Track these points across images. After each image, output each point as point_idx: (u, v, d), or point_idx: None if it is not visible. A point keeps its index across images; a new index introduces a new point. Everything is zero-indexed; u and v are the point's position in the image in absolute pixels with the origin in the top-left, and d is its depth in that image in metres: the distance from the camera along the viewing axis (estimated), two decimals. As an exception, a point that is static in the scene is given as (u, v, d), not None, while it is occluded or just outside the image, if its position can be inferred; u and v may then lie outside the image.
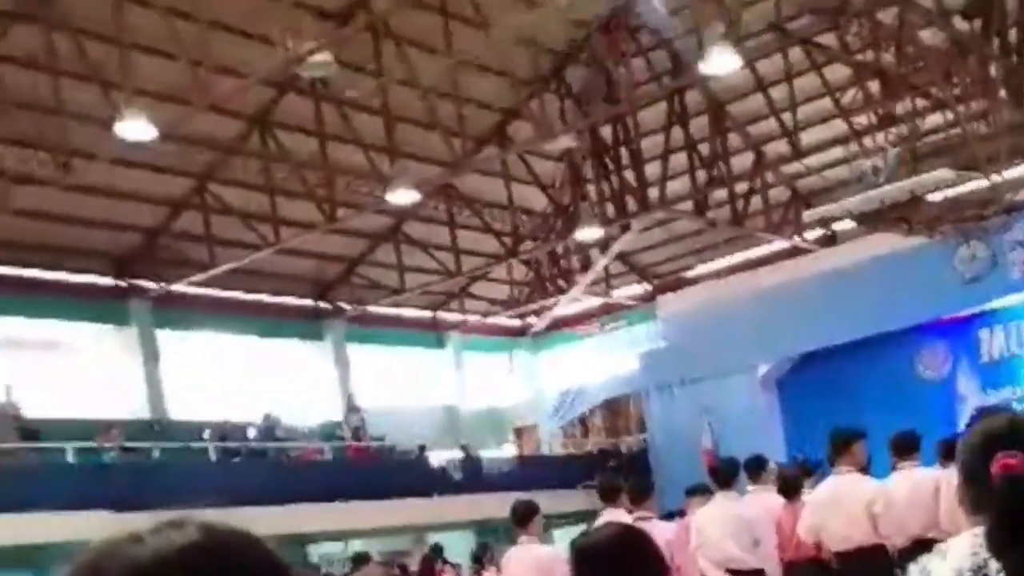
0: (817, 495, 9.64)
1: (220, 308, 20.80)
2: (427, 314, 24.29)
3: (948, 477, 9.15)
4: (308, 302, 22.57)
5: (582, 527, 16.03)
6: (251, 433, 19.94)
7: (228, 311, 20.97)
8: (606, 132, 19.30)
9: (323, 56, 13.80)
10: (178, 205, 19.27)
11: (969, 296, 16.66)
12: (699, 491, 11.38)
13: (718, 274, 20.32)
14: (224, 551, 0.97)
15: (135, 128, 13.65)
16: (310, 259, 21.50)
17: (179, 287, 19.69)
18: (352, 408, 21.51)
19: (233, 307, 21.07)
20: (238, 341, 21.34)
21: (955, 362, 17.46)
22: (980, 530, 2.99)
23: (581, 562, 3.45)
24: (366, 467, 20.03)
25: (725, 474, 10.40)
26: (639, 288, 21.61)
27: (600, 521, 9.95)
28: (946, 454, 10.20)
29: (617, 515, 9.97)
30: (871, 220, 17.24)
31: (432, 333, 24.26)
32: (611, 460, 19.31)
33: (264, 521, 16.68)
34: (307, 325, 22.51)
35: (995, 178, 17.53)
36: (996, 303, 17.05)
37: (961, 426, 14.72)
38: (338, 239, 20.73)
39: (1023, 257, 16.60)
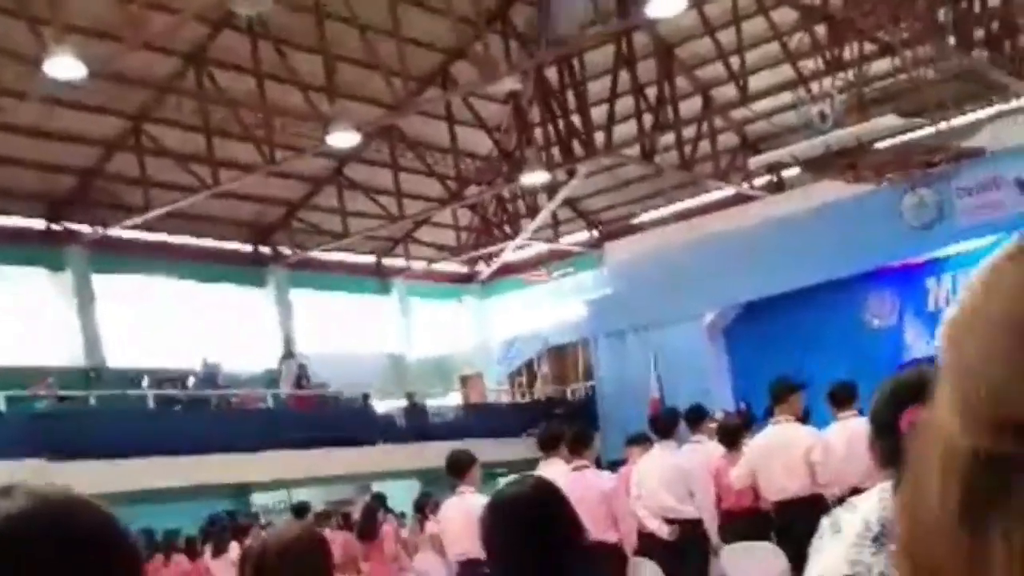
0: (754, 444, 9.58)
1: (157, 252, 20.34)
2: (371, 259, 23.95)
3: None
4: (248, 247, 22.13)
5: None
6: (191, 381, 19.60)
7: (166, 255, 20.51)
8: (552, 75, 18.97)
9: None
10: (112, 146, 18.74)
11: (917, 244, 16.62)
12: (639, 440, 11.28)
13: (665, 221, 20.17)
14: (54, 519, 0.93)
15: (64, 66, 13.12)
16: (250, 203, 21.04)
17: (115, 231, 19.19)
18: (289, 354, 21.20)
19: (171, 251, 20.61)
20: (176, 286, 20.90)
21: (902, 311, 17.46)
22: (889, 484, 2.99)
23: (493, 518, 3.38)
24: (308, 415, 19.79)
25: (664, 424, 10.33)
26: (586, 234, 21.41)
27: (538, 471, 9.85)
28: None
29: (555, 465, 9.87)
30: (818, 166, 17.12)
31: (377, 279, 23.95)
32: (557, 408, 19.20)
33: (204, 470, 16.62)
34: (248, 270, 22.10)
35: (942, 125, 17.49)
36: (944, 251, 17.03)
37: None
38: (278, 182, 20.29)
39: (971, 205, 16.54)
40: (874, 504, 2.99)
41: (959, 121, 17.48)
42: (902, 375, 3.57)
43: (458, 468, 9.46)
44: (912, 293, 17.44)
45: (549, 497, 3.45)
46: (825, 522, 3.10)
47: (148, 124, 18.25)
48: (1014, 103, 17.79)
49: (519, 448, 17.40)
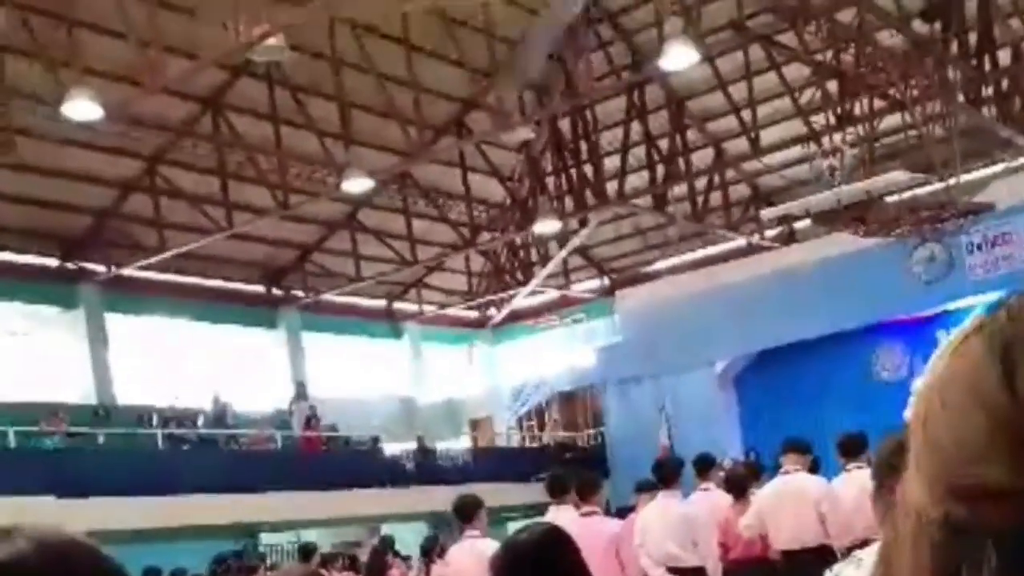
0: (764, 493, 9.61)
1: (170, 292, 20.49)
2: (383, 304, 24.08)
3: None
4: (260, 288, 22.28)
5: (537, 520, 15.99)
6: (200, 420, 19.65)
7: (178, 296, 20.66)
8: (565, 125, 19.18)
9: (276, 40, 13.55)
10: (128, 187, 18.95)
11: (927, 298, 16.71)
12: (648, 487, 11.31)
13: (677, 270, 20.29)
14: (54, 564, 0.90)
15: (82, 108, 13.35)
16: (263, 245, 21.23)
17: (129, 271, 19.36)
18: (301, 395, 21.26)
19: (184, 292, 20.76)
20: (188, 327, 21.03)
21: (912, 363, 17.47)
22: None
23: (504, 563, 3.43)
24: (318, 456, 19.82)
25: (669, 471, 10.33)
26: (597, 282, 21.54)
27: (547, 517, 9.88)
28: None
29: (564, 511, 9.89)
30: (828, 219, 17.24)
31: (388, 323, 24.06)
32: (567, 453, 19.19)
33: (212, 510, 16.62)
34: (260, 312, 22.24)
35: (950, 181, 17.62)
36: (953, 305, 17.09)
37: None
38: (292, 225, 20.49)
39: (980, 260, 16.64)
40: (875, 559, 3.09)
41: (966, 177, 17.63)
42: (897, 433, 3.64)
43: (465, 512, 9.48)
44: (922, 346, 17.45)
45: (560, 544, 3.51)
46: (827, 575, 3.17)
47: (163, 166, 18.47)
48: (1022, 160, 17.95)
49: (528, 493, 17.40)
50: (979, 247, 16.62)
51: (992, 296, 16.70)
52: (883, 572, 0.63)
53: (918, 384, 0.61)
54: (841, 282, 16.71)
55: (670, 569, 9.22)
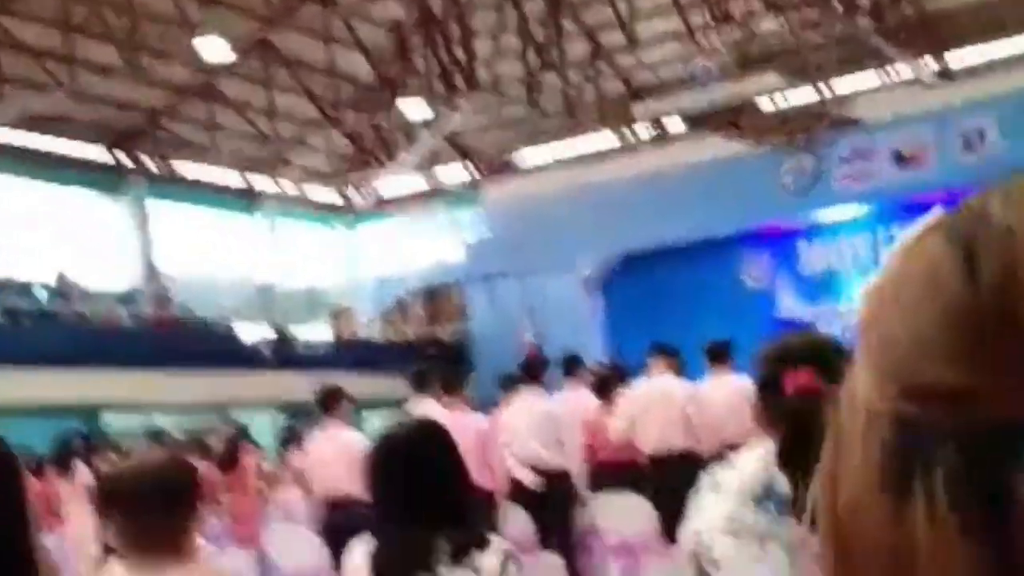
0: (632, 396, 9.59)
1: (7, 153, 19.16)
2: (238, 178, 23.07)
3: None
4: (106, 152, 20.96)
5: (395, 413, 15.76)
6: (41, 294, 18.66)
7: (16, 157, 19.33)
8: (437, 5, 18.50)
9: None
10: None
11: (792, 208, 16.90)
12: (513, 383, 11.21)
13: (547, 167, 20.03)
14: None
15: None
16: (110, 107, 19.92)
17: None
18: (153, 275, 20.37)
19: (22, 154, 19.44)
20: (24, 188, 19.67)
21: (778, 273, 17.77)
22: (771, 444, 3.02)
23: (379, 457, 3.44)
24: (169, 335, 19.08)
25: (535, 369, 10.24)
26: (465, 173, 21.09)
27: (408, 409, 9.67)
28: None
29: (427, 404, 9.70)
30: (702, 122, 17.23)
31: (244, 199, 23.14)
32: (430, 348, 18.95)
33: (53, 385, 15.82)
34: (105, 178, 20.98)
35: (823, 88, 17.81)
36: (818, 216, 17.38)
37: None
38: (143, 89, 19.27)
39: (846, 173, 16.90)
40: (755, 464, 3.02)
41: (839, 86, 17.82)
42: (789, 337, 3.61)
43: (327, 402, 9.26)
44: (787, 256, 17.79)
45: (436, 438, 3.49)
46: (705, 479, 3.12)
47: (3, 16, 17.12)
48: (893, 75, 18.22)
49: (388, 385, 17.10)
50: (846, 160, 16.84)
51: (856, 209, 17.06)
52: (828, 472, 0.59)
53: (872, 280, 0.60)
54: (711, 188, 16.74)
55: (535, 470, 9.12)
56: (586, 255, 18.02)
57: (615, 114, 19.74)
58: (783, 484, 2.93)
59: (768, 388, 3.24)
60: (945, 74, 17.43)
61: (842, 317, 16.87)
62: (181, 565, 2.96)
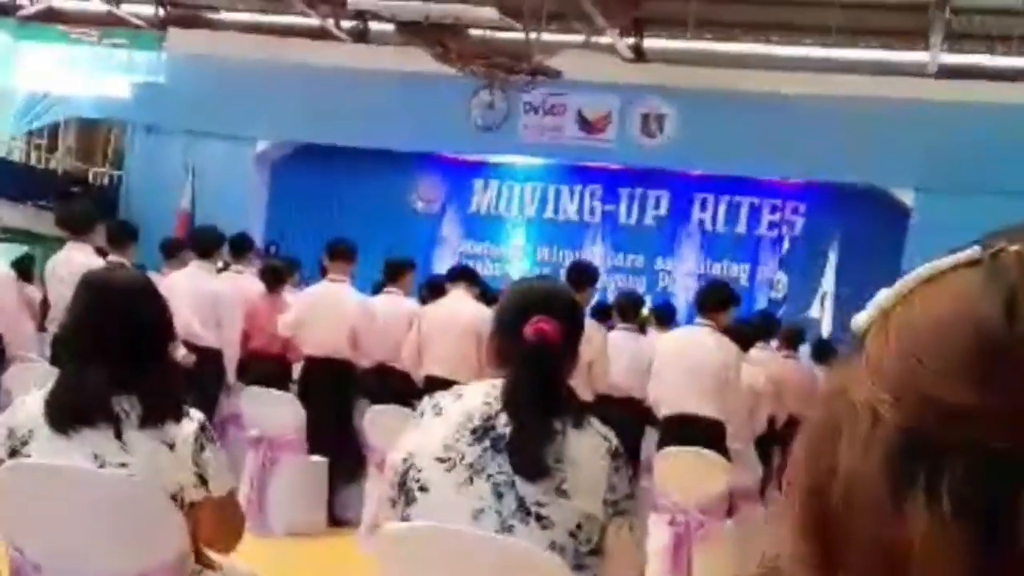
0: (307, 296, 9.55)
1: None
2: None
3: (421, 310, 9.45)
4: None
5: (24, 248, 14.58)
6: None
7: None
8: None
9: None
10: None
11: (476, 143, 17.11)
12: (175, 250, 10.82)
13: (242, 29, 19.01)
14: None
15: None
16: None
17: None
18: None
19: None
20: None
21: (447, 203, 18.00)
22: (499, 381, 3.17)
23: (94, 296, 3.42)
24: None
25: (206, 244, 9.94)
26: (151, 10, 19.62)
27: (65, 251, 9.06)
28: (428, 290, 10.59)
29: (83, 250, 9.16)
30: (411, 32, 17.08)
31: None
32: (76, 186, 17.53)
33: None
34: None
35: (531, 35, 18.19)
36: (499, 158, 17.75)
37: (437, 267, 15.42)
38: None
39: (532, 122, 17.32)
40: (479, 399, 3.14)
41: (548, 36, 18.28)
42: (533, 284, 3.90)
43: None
44: (458, 188, 18.05)
45: (155, 295, 3.54)
46: (427, 402, 3.24)
47: None
48: (595, 41, 18.93)
49: (20, 215, 15.75)
50: (535, 110, 17.28)
51: (536, 160, 17.65)
52: (822, 462, 0.62)
53: (892, 293, 0.65)
54: (403, 100, 16.64)
55: (187, 345, 8.85)
56: (263, 132, 17.39)
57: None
58: (503, 423, 3.06)
59: (506, 330, 3.39)
60: (640, 54, 18.28)
61: (501, 260, 17.53)
62: None
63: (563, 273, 15.98)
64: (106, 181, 18.81)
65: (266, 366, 9.35)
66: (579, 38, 18.02)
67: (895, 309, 0.64)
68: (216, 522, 3.42)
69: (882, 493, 0.58)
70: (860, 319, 0.66)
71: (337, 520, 8.94)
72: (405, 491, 3.11)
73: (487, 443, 3.01)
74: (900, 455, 0.58)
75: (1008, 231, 0.64)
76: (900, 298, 0.64)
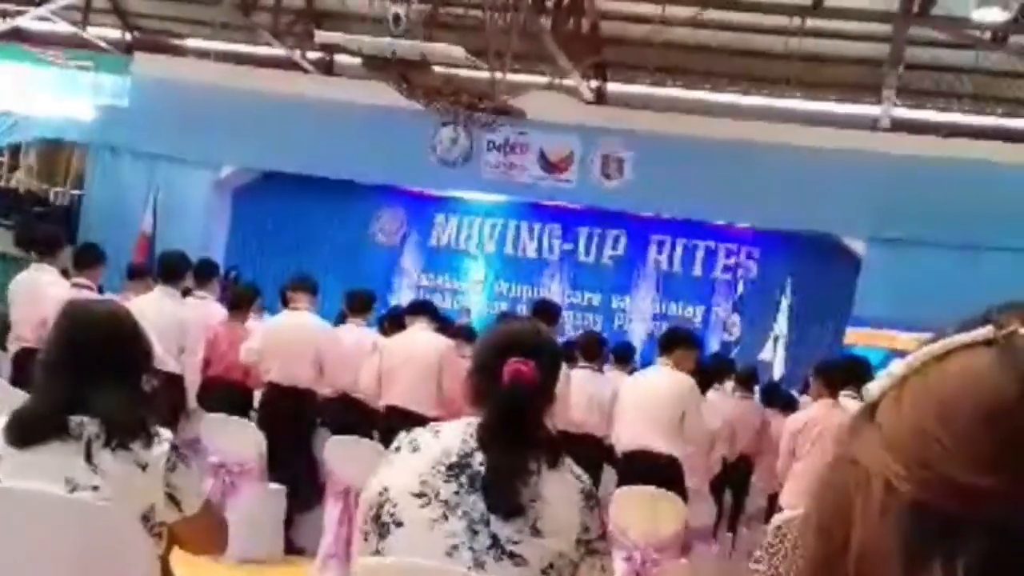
0: (271, 324, 9.61)
1: None
2: None
3: (383, 342, 9.57)
4: None
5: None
6: None
7: None
8: None
9: None
10: None
11: (438, 178, 17.30)
12: (140, 274, 10.86)
13: (210, 56, 19.07)
14: None
15: None
16: None
17: None
18: None
19: None
20: None
21: (407, 235, 18.14)
22: (475, 420, 3.20)
23: (76, 326, 3.46)
24: None
25: (173, 268, 9.97)
26: (118, 34, 19.63)
27: (30, 275, 9.07)
28: (388, 322, 10.71)
29: (48, 271, 9.19)
30: (378, 67, 17.24)
31: None
32: (36, 206, 17.48)
33: None
34: None
35: (496, 74, 18.40)
36: (460, 193, 17.92)
37: (396, 298, 15.54)
38: None
39: (494, 161, 17.51)
40: (458, 436, 3.18)
41: (512, 77, 18.51)
42: (512, 324, 3.88)
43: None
44: (418, 222, 18.19)
45: (133, 324, 3.60)
46: (404, 437, 3.27)
47: None
48: (558, 82, 19.20)
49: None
50: (498, 148, 17.48)
51: (497, 198, 17.82)
52: (834, 529, 0.63)
53: (895, 365, 0.65)
54: (366, 132, 16.78)
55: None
56: (227, 158, 17.44)
57: (292, 30, 19.27)
58: (479, 461, 3.10)
59: (484, 370, 3.45)
60: (602, 97, 18.58)
61: (460, 293, 17.69)
62: None
63: (520, 308, 16.41)
64: (67, 202, 18.74)
65: (227, 393, 9.40)
66: (543, 79, 18.31)
67: (909, 381, 0.64)
68: (196, 532, 3.50)
69: (897, 567, 0.59)
70: (873, 388, 0.66)
71: (294, 548, 8.98)
72: (380, 525, 3.13)
73: (463, 480, 3.04)
74: (915, 529, 0.59)
75: (1016, 307, 0.64)
76: (913, 371, 0.64)
